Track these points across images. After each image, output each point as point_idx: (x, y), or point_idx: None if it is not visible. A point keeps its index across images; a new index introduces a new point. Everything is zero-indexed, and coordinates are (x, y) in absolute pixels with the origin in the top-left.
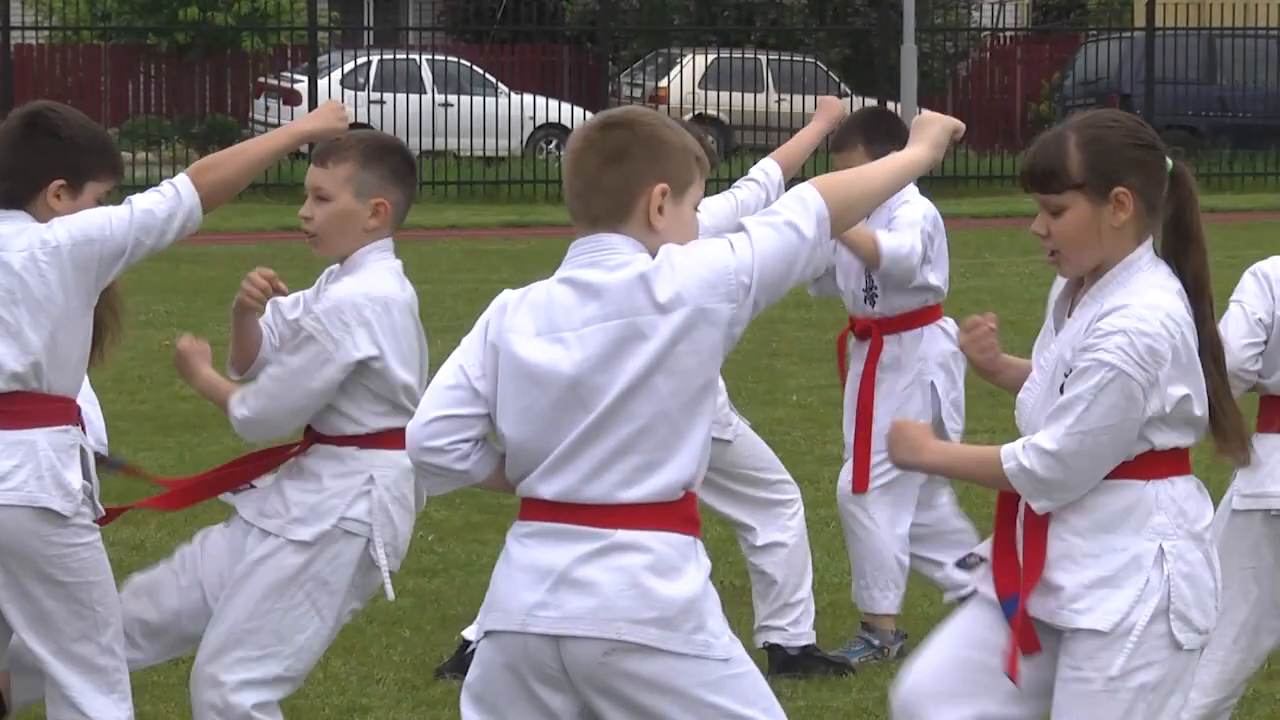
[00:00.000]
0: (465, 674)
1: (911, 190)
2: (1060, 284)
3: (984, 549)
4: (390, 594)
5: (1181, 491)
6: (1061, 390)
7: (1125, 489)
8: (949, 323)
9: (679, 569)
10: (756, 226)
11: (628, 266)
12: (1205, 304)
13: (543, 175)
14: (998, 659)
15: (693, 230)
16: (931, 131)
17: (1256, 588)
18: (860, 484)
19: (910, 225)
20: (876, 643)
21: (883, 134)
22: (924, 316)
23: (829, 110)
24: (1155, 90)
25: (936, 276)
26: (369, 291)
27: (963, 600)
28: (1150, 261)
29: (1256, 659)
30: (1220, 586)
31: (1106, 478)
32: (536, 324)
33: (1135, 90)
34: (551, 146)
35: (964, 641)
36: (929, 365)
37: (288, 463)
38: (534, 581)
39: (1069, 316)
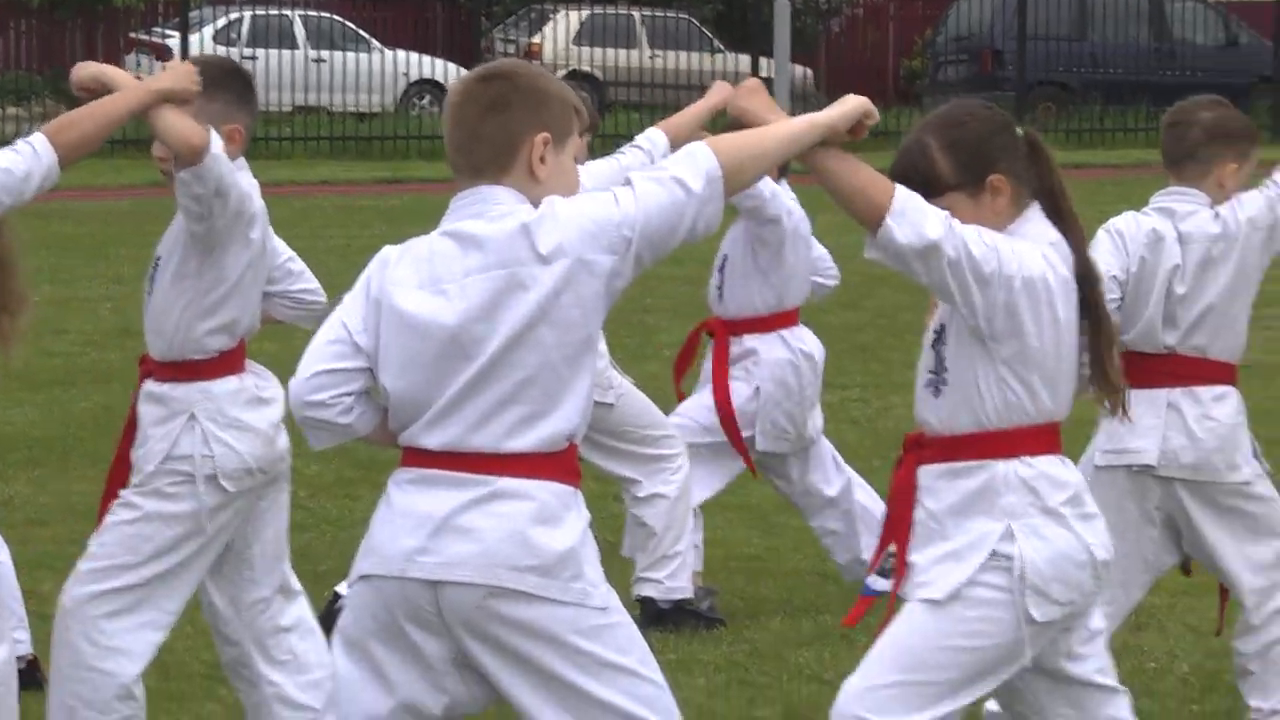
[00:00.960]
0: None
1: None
2: None
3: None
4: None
5: (1033, 471)
6: (939, 354)
7: (978, 471)
8: (796, 332)
9: (560, 518)
10: (642, 181)
11: (510, 217)
12: (1086, 260)
13: (415, 131)
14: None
15: (574, 181)
16: (844, 106)
17: (1121, 543)
18: (751, 468)
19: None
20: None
21: None
22: (767, 323)
23: (719, 91)
24: (1027, 46)
25: (776, 279)
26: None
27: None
28: (1031, 222)
29: (1123, 612)
30: (1103, 556)
31: (962, 458)
32: (419, 276)
33: (1007, 47)
34: (424, 102)
35: None
36: (762, 372)
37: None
38: (415, 527)
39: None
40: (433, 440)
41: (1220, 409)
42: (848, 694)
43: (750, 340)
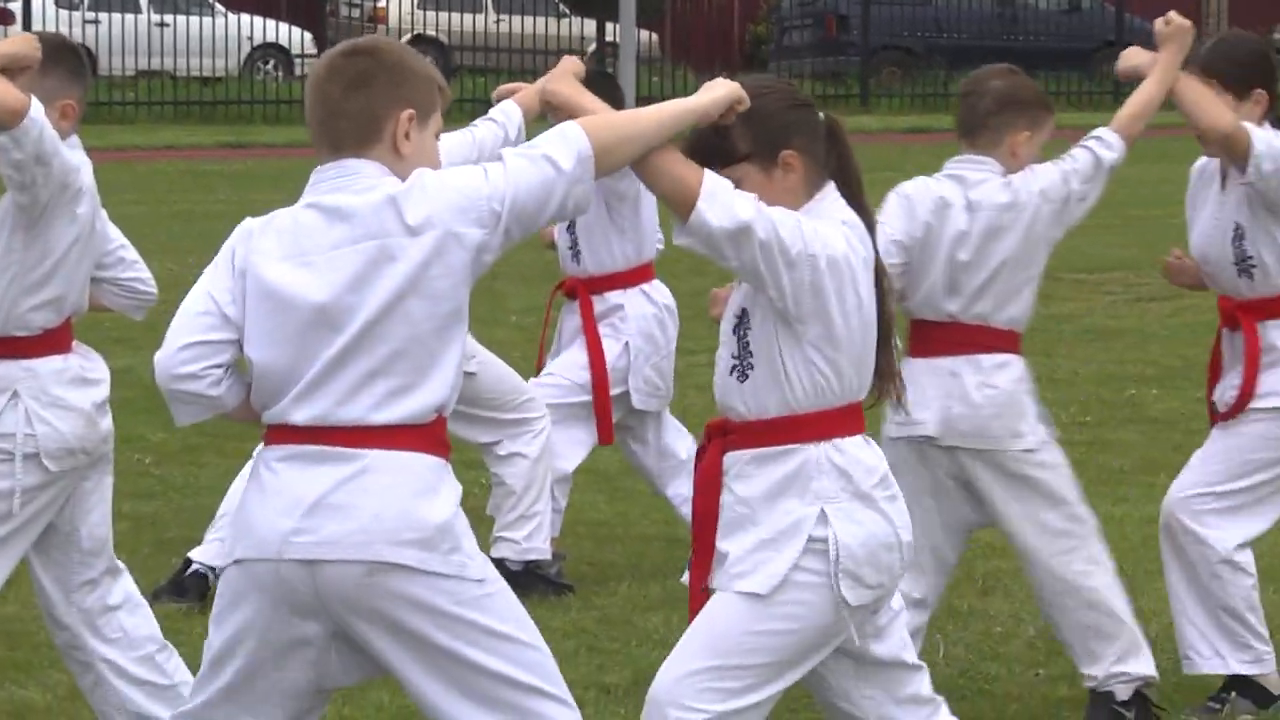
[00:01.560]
0: (182, 596)
1: None
2: None
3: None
4: None
5: (844, 456)
6: (741, 336)
7: (789, 456)
8: (657, 285)
9: (435, 490)
10: (513, 157)
11: (376, 189)
12: (875, 251)
13: (260, 95)
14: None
15: (436, 157)
16: (716, 93)
17: (921, 510)
18: (606, 437)
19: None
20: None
21: (600, 97)
22: (629, 278)
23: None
24: (871, 11)
25: (634, 233)
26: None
27: None
28: (826, 203)
29: (942, 580)
30: (908, 538)
31: (773, 443)
32: (283, 248)
33: (851, 11)
34: (269, 67)
35: None
36: (629, 328)
37: None
38: (289, 507)
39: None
40: (300, 415)
41: (1001, 376)
42: (662, 683)
43: (614, 296)
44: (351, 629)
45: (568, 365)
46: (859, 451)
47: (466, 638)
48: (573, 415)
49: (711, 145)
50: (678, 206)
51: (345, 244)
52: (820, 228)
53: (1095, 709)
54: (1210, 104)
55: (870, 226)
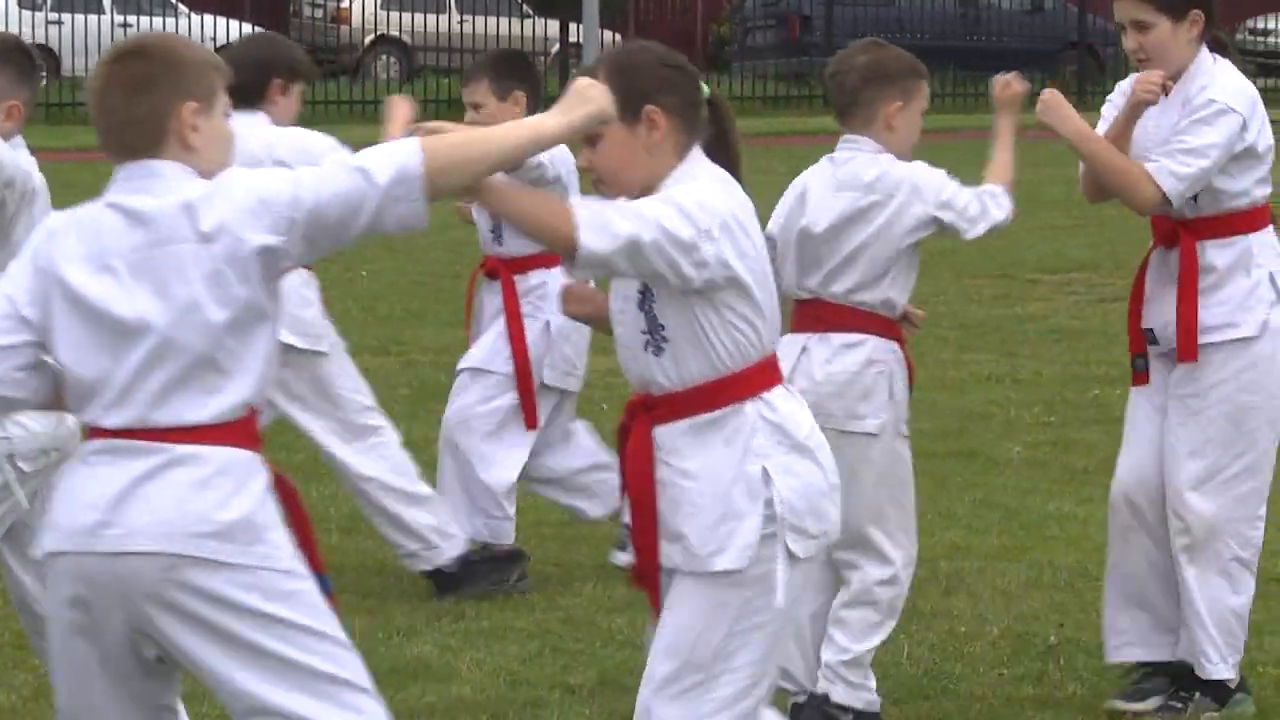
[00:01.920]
0: None
1: None
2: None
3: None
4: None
5: (775, 411)
6: (649, 312)
7: (725, 419)
8: None
9: (240, 483)
10: (331, 165)
11: (174, 194)
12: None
13: None
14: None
15: (228, 138)
16: (578, 111)
17: None
18: (532, 421)
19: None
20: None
21: (510, 74)
22: (550, 259)
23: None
24: (834, 11)
25: None
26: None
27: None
28: (699, 167)
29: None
30: (835, 480)
31: (706, 409)
32: (86, 249)
33: (815, 12)
34: None
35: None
36: (550, 305)
37: None
38: (96, 499)
39: None
40: (111, 420)
41: (849, 356)
42: (648, 702)
43: (536, 275)
44: (156, 622)
45: (491, 357)
46: (785, 404)
47: (270, 630)
48: (504, 422)
49: None
50: (558, 246)
51: (143, 249)
52: (699, 194)
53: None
54: (1123, 179)
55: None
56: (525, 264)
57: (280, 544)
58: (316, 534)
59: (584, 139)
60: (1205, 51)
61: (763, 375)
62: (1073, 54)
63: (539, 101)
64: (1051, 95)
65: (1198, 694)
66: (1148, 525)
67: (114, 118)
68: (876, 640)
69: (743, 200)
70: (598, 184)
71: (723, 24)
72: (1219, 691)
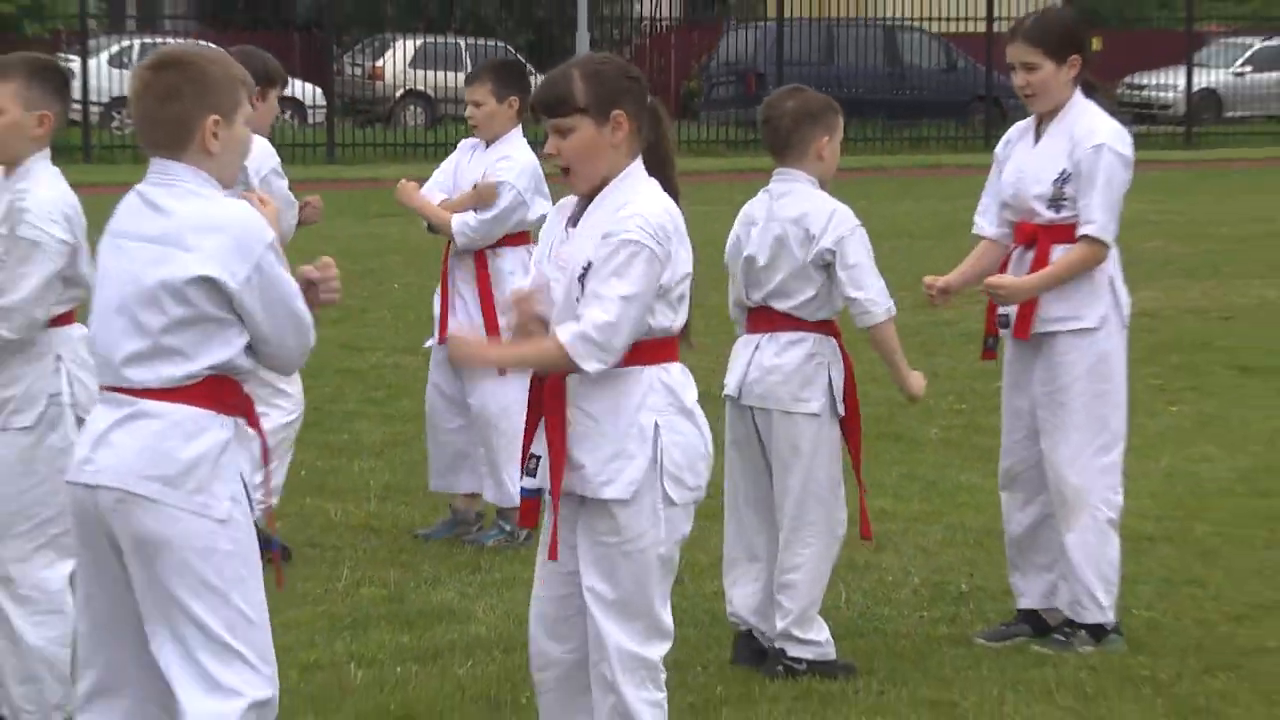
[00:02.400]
0: None
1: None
2: (564, 208)
3: (539, 446)
4: None
5: (672, 377)
6: (584, 282)
7: (628, 376)
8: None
9: (191, 436)
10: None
11: (190, 199)
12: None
13: (278, 140)
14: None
15: (245, 144)
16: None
17: (740, 459)
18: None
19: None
20: (508, 528)
21: (509, 82)
22: (514, 239)
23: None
24: (784, 70)
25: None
26: (65, 196)
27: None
28: (643, 173)
29: (772, 530)
30: (710, 451)
31: (614, 367)
32: (115, 221)
33: (769, 70)
34: (286, 116)
35: (553, 582)
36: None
37: None
38: (86, 440)
39: (574, 227)
40: (103, 379)
41: (792, 351)
42: (613, 648)
43: (504, 250)
44: (116, 549)
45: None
46: (680, 376)
47: (186, 583)
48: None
49: (556, 95)
50: (566, 369)
51: (146, 241)
52: (648, 214)
53: None
54: (1080, 268)
55: (675, 196)
56: (495, 246)
57: (222, 495)
58: (357, 502)
59: (554, 130)
60: (1079, 93)
61: (665, 350)
62: (980, 105)
63: (527, 107)
64: (998, 283)
65: (1081, 631)
66: (1026, 494)
67: (145, 118)
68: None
69: (673, 207)
70: (564, 171)
71: (692, 80)
72: (1097, 632)
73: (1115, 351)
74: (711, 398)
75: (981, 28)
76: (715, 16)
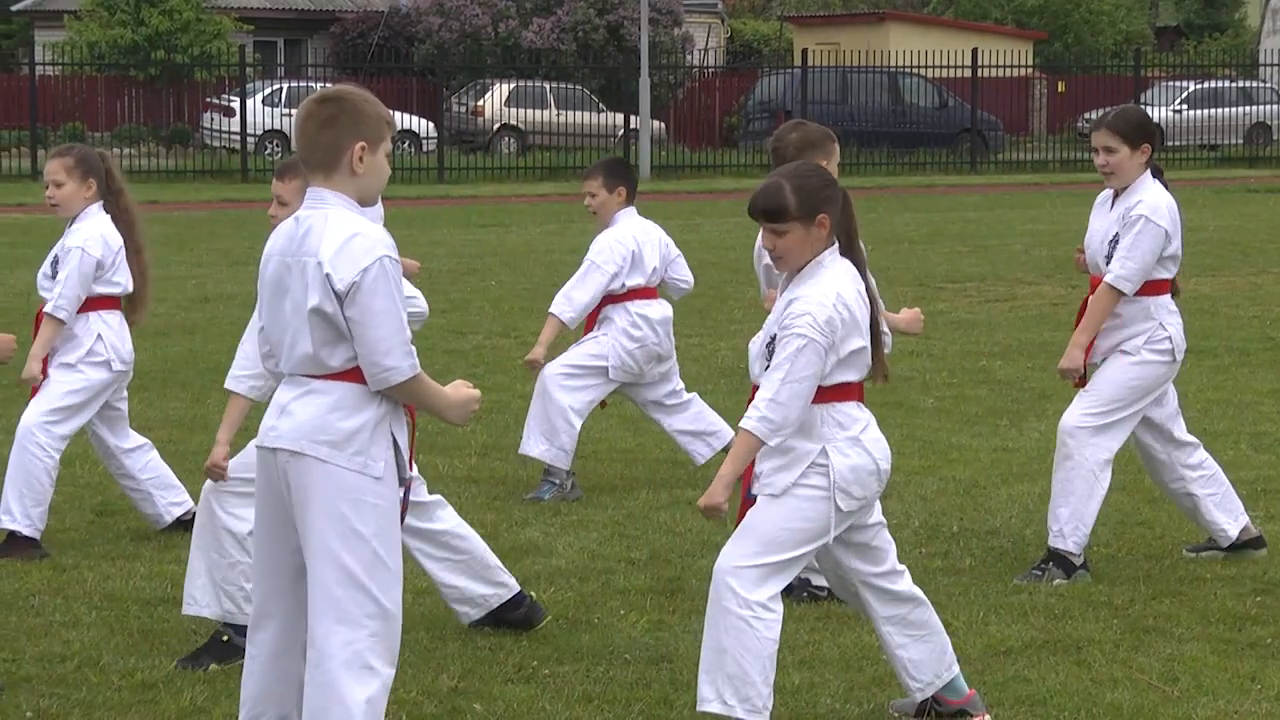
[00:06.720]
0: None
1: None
2: (764, 252)
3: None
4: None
5: (841, 412)
6: (770, 352)
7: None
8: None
9: (353, 409)
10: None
11: (329, 222)
12: (868, 280)
13: (396, 164)
14: None
15: (384, 172)
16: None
17: None
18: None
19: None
20: (557, 481)
21: (616, 174)
22: (626, 297)
23: None
24: (808, 108)
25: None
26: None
27: None
28: (833, 258)
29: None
30: (882, 466)
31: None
32: (275, 243)
33: (794, 108)
34: (405, 146)
35: None
36: (614, 330)
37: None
38: (272, 410)
39: (780, 294)
40: (283, 368)
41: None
42: (723, 566)
43: (609, 310)
44: (290, 504)
45: (579, 354)
46: (851, 410)
47: (336, 529)
48: (583, 376)
49: (774, 206)
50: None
51: (288, 255)
52: (814, 306)
53: None
54: (1105, 314)
55: (861, 265)
56: (610, 299)
57: (379, 457)
58: (461, 458)
59: (770, 231)
60: (1148, 174)
61: (837, 392)
62: (967, 136)
63: (634, 193)
64: (1064, 370)
65: (1051, 565)
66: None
67: (305, 141)
68: None
69: (847, 294)
70: (776, 260)
71: (733, 116)
72: (1067, 566)
73: (1150, 375)
74: (738, 372)
75: (968, 74)
76: (751, 65)
